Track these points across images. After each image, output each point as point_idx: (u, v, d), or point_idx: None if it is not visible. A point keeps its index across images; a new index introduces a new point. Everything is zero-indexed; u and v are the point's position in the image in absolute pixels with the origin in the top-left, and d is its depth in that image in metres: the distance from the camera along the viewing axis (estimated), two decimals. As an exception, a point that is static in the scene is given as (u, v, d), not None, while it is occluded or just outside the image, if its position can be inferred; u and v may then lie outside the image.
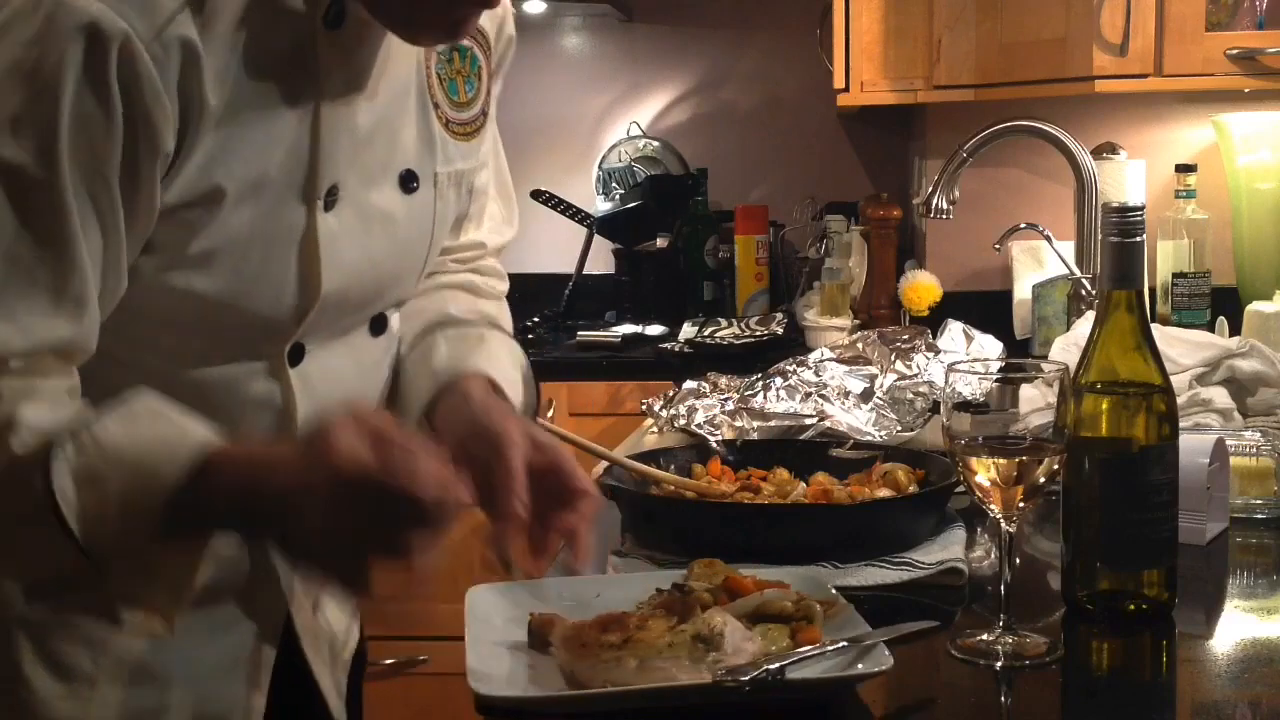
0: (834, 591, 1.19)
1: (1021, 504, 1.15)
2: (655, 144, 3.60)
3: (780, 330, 3.05)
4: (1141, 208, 1.22)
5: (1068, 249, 2.60)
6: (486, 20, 1.34)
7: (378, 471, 0.96)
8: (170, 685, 1.24)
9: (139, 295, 1.11)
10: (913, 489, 1.48)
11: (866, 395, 1.87)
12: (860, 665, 1.06)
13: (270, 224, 1.14)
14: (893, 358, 1.93)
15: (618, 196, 3.53)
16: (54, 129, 1.01)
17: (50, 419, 1.01)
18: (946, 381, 1.18)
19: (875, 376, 1.90)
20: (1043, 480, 1.15)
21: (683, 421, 1.84)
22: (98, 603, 1.19)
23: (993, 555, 1.40)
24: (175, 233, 1.10)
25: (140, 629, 1.07)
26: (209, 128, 1.08)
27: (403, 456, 0.97)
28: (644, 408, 1.95)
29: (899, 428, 1.80)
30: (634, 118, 3.63)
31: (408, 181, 1.26)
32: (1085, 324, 2.07)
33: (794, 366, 1.95)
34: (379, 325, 1.33)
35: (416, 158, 1.27)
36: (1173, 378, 1.27)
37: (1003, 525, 1.16)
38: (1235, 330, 2.33)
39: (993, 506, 1.15)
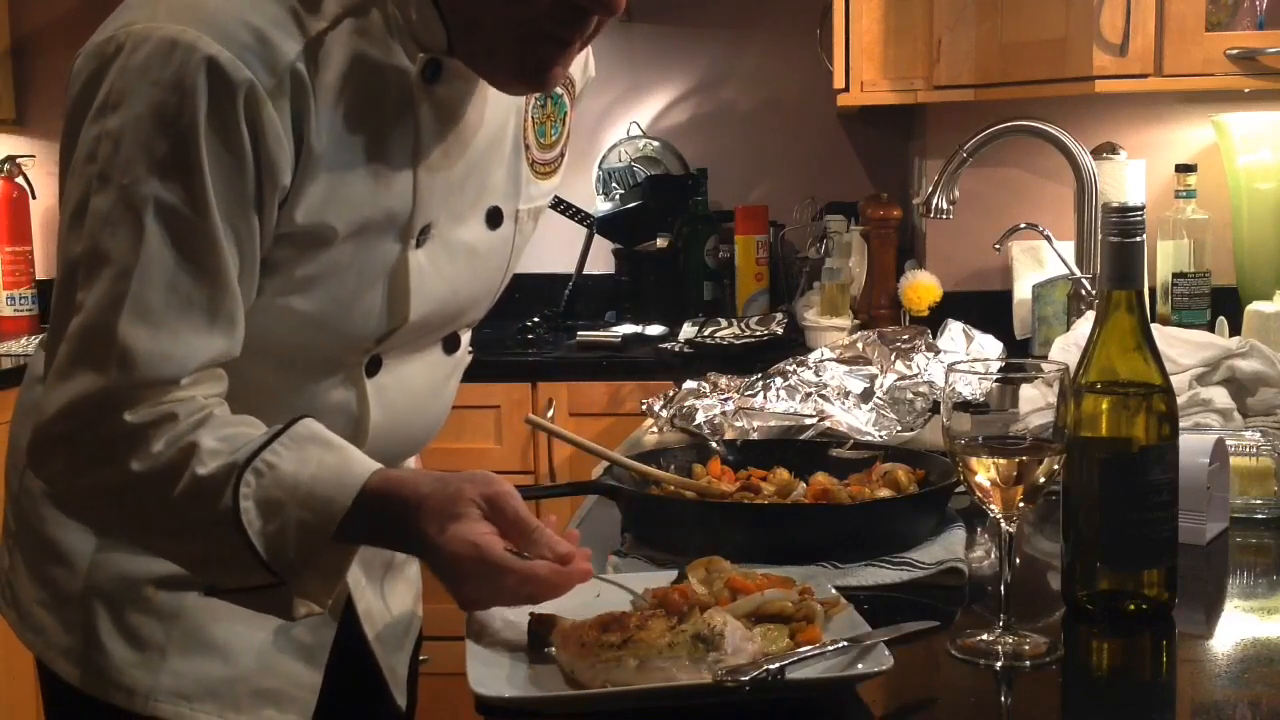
0: (834, 591, 1.19)
1: (1021, 504, 1.15)
2: (655, 144, 3.60)
3: (780, 330, 3.05)
4: (1141, 208, 1.22)
5: (1068, 249, 2.60)
6: (576, 69, 1.45)
7: (498, 561, 1.08)
8: (235, 659, 1.33)
9: (249, 312, 1.20)
10: (913, 489, 1.48)
11: (866, 395, 1.87)
12: (860, 665, 1.05)
13: (367, 256, 1.24)
14: (893, 358, 1.93)
15: (618, 196, 3.53)
16: (200, 170, 1.11)
17: (227, 446, 1.12)
18: (946, 381, 1.18)
19: (875, 376, 1.90)
20: (1043, 480, 1.15)
21: (682, 421, 1.84)
22: (171, 578, 1.32)
23: (993, 555, 1.40)
24: (286, 260, 1.20)
25: (303, 616, 1.16)
26: (316, 168, 1.17)
27: (527, 543, 1.11)
28: (644, 408, 1.95)
29: (899, 428, 1.80)
30: (634, 118, 3.63)
31: (494, 218, 1.36)
32: (1085, 324, 2.07)
33: (794, 366, 1.95)
34: (451, 343, 1.43)
35: (503, 196, 1.36)
36: (1173, 378, 1.27)
37: (1003, 525, 1.16)
38: (1235, 330, 2.33)
39: (993, 506, 1.15)
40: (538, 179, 1.42)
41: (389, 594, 1.48)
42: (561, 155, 1.46)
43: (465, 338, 1.45)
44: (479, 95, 1.27)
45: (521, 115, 1.37)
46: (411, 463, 1.54)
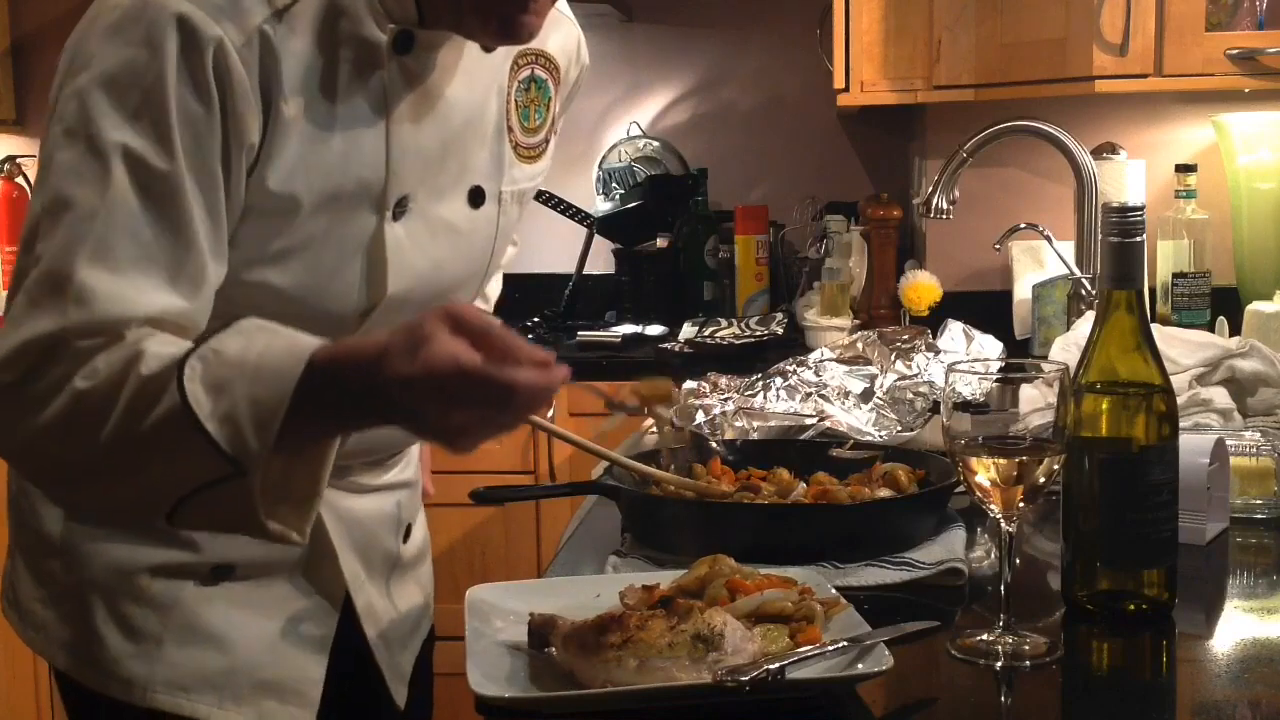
0: (834, 591, 1.19)
1: (1021, 504, 1.15)
2: (655, 144, 3.60)
3: (780, 330, 3.05)
4: (1141, 208, 1.22)
5: (1068, 249, 2.60)
6: (558, 51, 1.45)
7: (481, 369, 1.00)
8: (233, 650, 1.32)
9: (222, 286, 1.18)
10: (913, 489, 1.48)
11: (866, 395, 1.87)
12: (860, 665, 1.06)
13: (342, 229, 1.23)
14: (893, 358, 1.93)
15: (618, 196, 3.53)
16: (168, 121, 1.11)
17: (172, 348, 1.07)
18: (946, 381, 1.18)
19: (875, 376, 1.90)
20: (1043, 480, 1.15)
21: (682, 421, 1.84)
22: (168, 567, 1.30)
23: (993, 555, 1.40)
24: (256, 233, 1.20)
25: (278, 537, 1.08)
26: (284, 133, 1.17)
27: (502, 351, 1.01)
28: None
29: (899, 428, 1.80)
30: (634, 118, 3.63)
31: (476, 197, 1.35)
32: (1085, 324, 2.07)
33: (794, 366, 1.95)
34: None
35: (486, 176, 1.36)
36: (1173, 378, 1.27)
37: (1003, 525, 1.16)
38: (1235, 330, 2.33)
39: (993, 506, 1.15)
40: (521, 162, 1.41)
41: (395, 592, 1.48)
42: (546, 141, 1.46)
43: None
44: (458, 71, 1.28)
45: (504, 97, 1.38)
46: (409, 469, 1.54)
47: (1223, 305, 2.55)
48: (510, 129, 1.39)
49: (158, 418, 1.04)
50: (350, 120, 1.21)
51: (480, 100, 1.34)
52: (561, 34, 1.46)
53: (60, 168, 1.12)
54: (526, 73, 1.41)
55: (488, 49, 1.31)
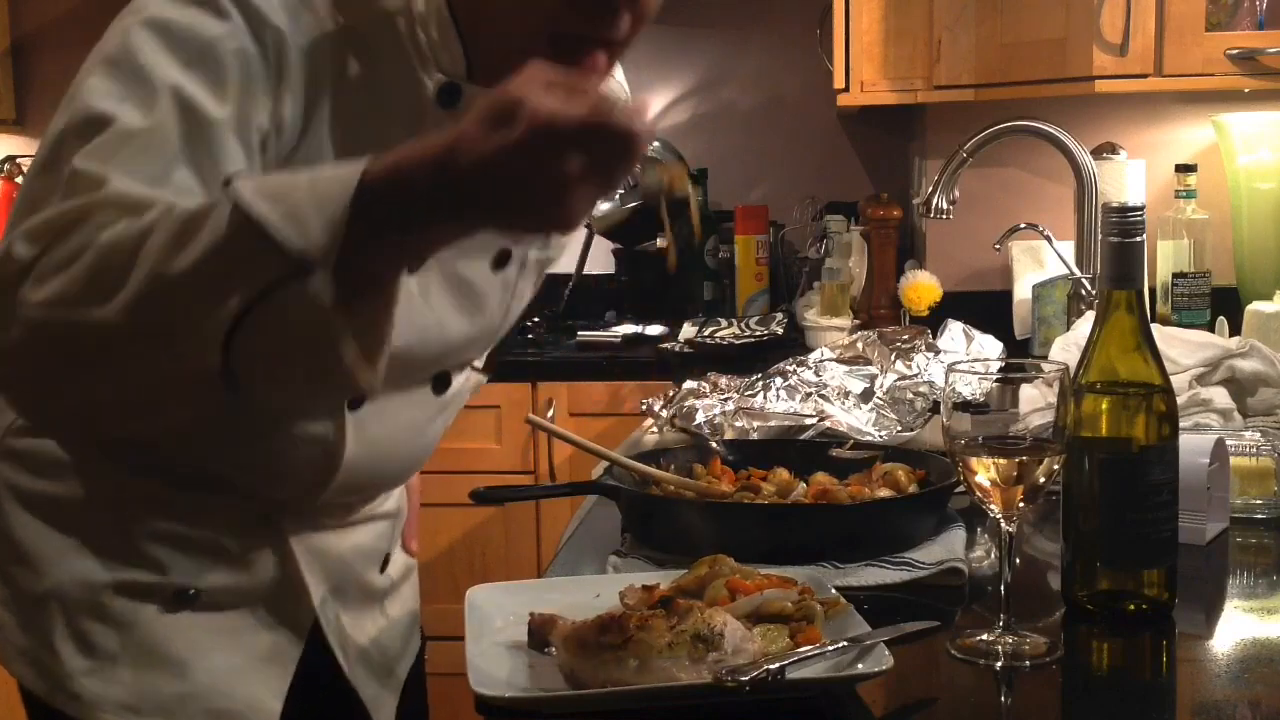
0: (834, 591, 1.19)
1: (1021, 504, 1.15)
2: (655, 144, 3.60)
3: (780, 330, 3.05)
4: (1141, 208, 1.22)
5: (1068, 249, 2.60)
6: None
7: (600, 119, 0.90)
8: (190, 676, 1.28)
9: None
10: (913, 489, 1.48)
11: (866, 395, 1.87)
12: (860, 665, 1.06)
13: None
14: (893, 358, 1.93)
15: (617, 196, 3.53)
16: (223, 77, 1.07)
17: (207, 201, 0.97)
18: (946, 381, 1.18)
19: (875, 376, 1.90)
20: (1043, 480, 1.15)
21: (683, 421, 1.84)
22: (130, 587, 1.25)
23: (993, 555, 1.40)
24: None
25: (351, 370, 0.95)
26: (316, 148, 1.13)
27: (601, 99, 0.91)
28: (644, 408, 1.94)
29: (899, 428, 1.80)
30: (634, 118, 3.63)
31: (501, 260, 1.31)
32: (1085, 324, 2.07)
33: (794, 366, 1.96)
34: (441, 383, 1.37)
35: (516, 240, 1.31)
36: (1173, 378, 1.27)
37: (1003, 525, 1.16)
38: (1235, 330, 2.33)
39: (993, 506, 1.15)
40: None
41: (374, 620, 1.43)
42: None
43: (459, 380, 1.40)
44: None
45: None
46: (391, 500, 1.50)
47: (1223, 305, 2.55)
48: None
49: (205, 241, 0.92)
50: None
51: None
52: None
53: (97, 89, 1.05)
54: None
55: None
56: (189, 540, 1.28)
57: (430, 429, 1.40)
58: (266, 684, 1.31)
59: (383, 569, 1.46)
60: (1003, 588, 1.16)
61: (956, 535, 1.42)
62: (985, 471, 1.14)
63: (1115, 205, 1.22)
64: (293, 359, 0.95)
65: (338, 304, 0.92)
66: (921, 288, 2.82)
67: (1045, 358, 2.12)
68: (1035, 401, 1.17)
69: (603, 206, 3.50)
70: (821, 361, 1.97)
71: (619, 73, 1.46)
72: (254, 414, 1.21)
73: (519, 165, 0.89)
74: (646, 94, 3.60)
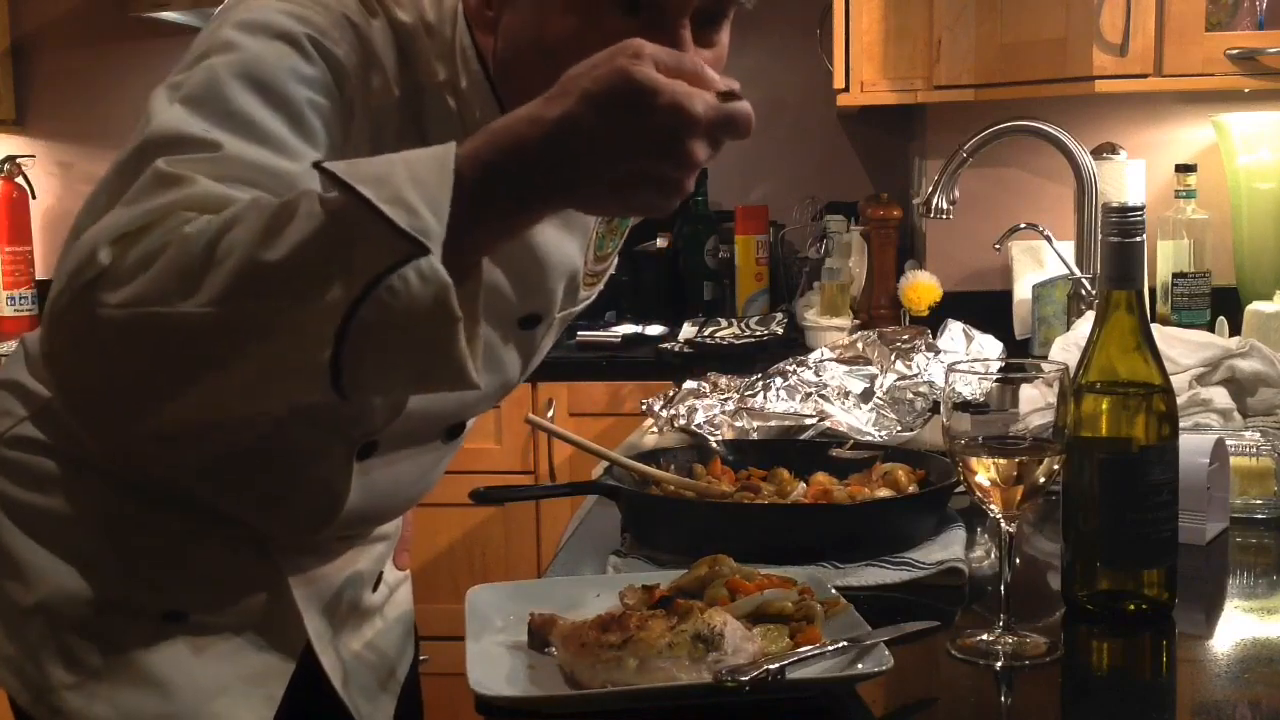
0: (834, 591, 1.19)
1: (1021, 504, 1.15)
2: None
3: (780, 330, 3.06)
4: (1141, 208, 1.22)
5: (1068, 249, 2.60)
6: None
7: (716, 112, 0.88)
8: (174, 695, 1.26)
9: None
10: (913, 489, 1.48)
11: (866, 395, 1.87)
12: (860, 665, 1.06)
13: None
14: (893, 358, 1.93)
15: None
16: (304, 128, 1.05)
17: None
18: (946, 381, 1.18)
19: (875, 376, 1.90)
20: (1043, 480, 1.15)
21: (683, 421, 1.84)
22: (128, 603, 1.24)
23: (993, 555, 1.40)
24: None
25: (465, 365, 0.90)
26: None
27: (704, 79, 0.89)
28: (644, 408, 1.95)
29: (899, 428, 1.80)
30: (634, 118, 3.63)
31: (531, 321, 1.32)
32: (1085, 324, 2.07)
33: (794, 366, 1.96)
34: (454, 431, 1.37)
35: (546, 306, 1.32)
36: (1173, 378, 1.27)
37: (1003, 525, 1.16)
38: (1235, 330, 2.33)
39: (993, 506, 1.15)
40: (584, 288, 1.38)
41: (365, 637, 1.43)
42: (609, 267, 1.42)
43: (471, 422, 1.41)
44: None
45: (589, 233, 1.33)
46: (392, 523, 1.50)
47: (1223, 305, 2.55)
48: (586, 260, 1.34)
49: (303, 229, 0.88)
50: None
51: (573, 249, 1.29)
52: None
53: (180, 118, 1.01)
54: None
55: None
56: (180, 563, 1.27)
57: (435, 472, 1.41)
58: (253, 705, 1.29)
59: (375, 588, 1.46)
60: (1003, 588, 1.16)
61: (956, 535, 1.42)
62: (985, 471, 1.14)
63: (1115, 205, 1.22)
64: (407, 351, 0.89)
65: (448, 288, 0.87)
66: (921, 288, 2.82)
67: (1045, 358, 2.12)
68: (1035, 401, 1.17)
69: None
70: (821, 361, 1.97)
71: None
72: (264, 454, 1.21)
73: (650, 151, 0.87)
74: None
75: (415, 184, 0.87)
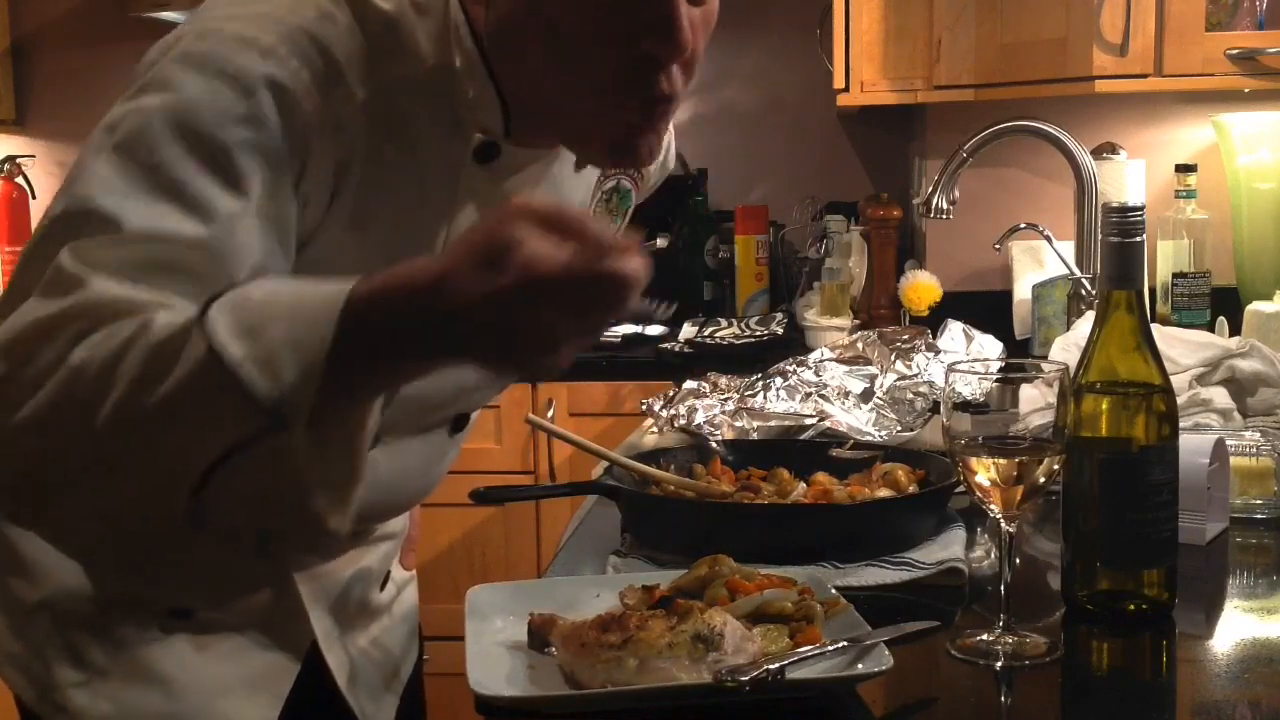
0: (834, 591, 1.19)
1: (1021, 504, 1.15)
2: (655, 144, 3.60)
3: (780, 330, 3.06)
4: (1141, 208, 1.22)
5: (1068, 249, 2.60)
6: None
7: (594, 269, 0.86)
8: (179, 694, 1.26)
9: None
10: (913, 489, 1.48)
11: (866, 395, 1.87)
12: (860, 665, 1.06)
13: None
14: (893, 358, 1.93)
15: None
16: (240, 171, 1.04)
17: (185, 314, 0.94)
18: (946, 381, 1.18)
19: (875, 376, 1.90)
20: (1043, 480, 1.15)
21: (683, 421, 1.84)
22: (129, 602, 1.24)
23: (993, 555, 1.40)
24: None
25: (320, 517, 0.94)
26: (344, 219, 1.11)
27: (598, 243, 0.87)
28: (644, 408, 1.95)
29: (899, 428, 1.80)
30: (634, 118, 3.63)
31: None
32: (1085, 324, 2.07)
33: (794, 366, 1.96)
34: (459, 423, 1.37)
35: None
36: (1173, 378, 1.27)
37: (1003, 525, 1.16)
38: (1235, 330, 2.33)
39: (993, 506, 1.15)
40: None
41: (372, 636, 1.43)
42: None
43: (475, 416, 1.41)
44: (540, 189, 1.21)
45: (587, 209, 1.32)
46: (395, 522, 1.49)
47: (1223, 305, 2.55)
48: None
49: (178, 378, 0.91)
50: (409, 216, 1.15)
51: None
52: None
53: (101, 180, 1.01)
54: (612, 183, 1.35)
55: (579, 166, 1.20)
56: (185, 562, 1.27)
57: (439, 467, 1.40)
58: (258, 704, 1.29)
59: (383, 587, 1.46)
60: (1003, 588, 1.16)
61: (956, 535, 1.42)
62: (985, 471, 1.14)
63: (1115, 205, 1.22)
64: (262, 506, 0.97)
65: (312, 453, 0.91)
66: (921, 288, 2.82)
67: (1045, 358, 2.12)
68: (1035, 401, 1.17)
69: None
70: (821, 361, 1.97)
71: (669, 145, 1.43)
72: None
73: (504, 312, 0.87)
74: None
75: (292, 344, 0.89)
